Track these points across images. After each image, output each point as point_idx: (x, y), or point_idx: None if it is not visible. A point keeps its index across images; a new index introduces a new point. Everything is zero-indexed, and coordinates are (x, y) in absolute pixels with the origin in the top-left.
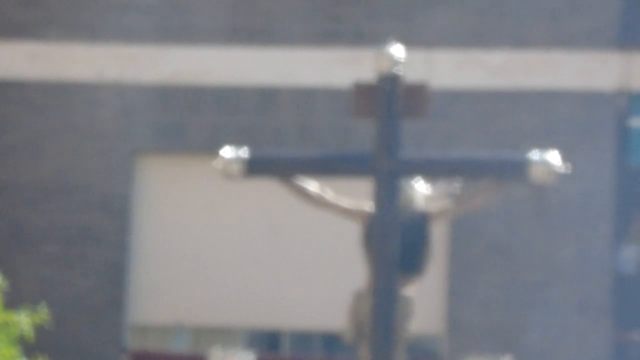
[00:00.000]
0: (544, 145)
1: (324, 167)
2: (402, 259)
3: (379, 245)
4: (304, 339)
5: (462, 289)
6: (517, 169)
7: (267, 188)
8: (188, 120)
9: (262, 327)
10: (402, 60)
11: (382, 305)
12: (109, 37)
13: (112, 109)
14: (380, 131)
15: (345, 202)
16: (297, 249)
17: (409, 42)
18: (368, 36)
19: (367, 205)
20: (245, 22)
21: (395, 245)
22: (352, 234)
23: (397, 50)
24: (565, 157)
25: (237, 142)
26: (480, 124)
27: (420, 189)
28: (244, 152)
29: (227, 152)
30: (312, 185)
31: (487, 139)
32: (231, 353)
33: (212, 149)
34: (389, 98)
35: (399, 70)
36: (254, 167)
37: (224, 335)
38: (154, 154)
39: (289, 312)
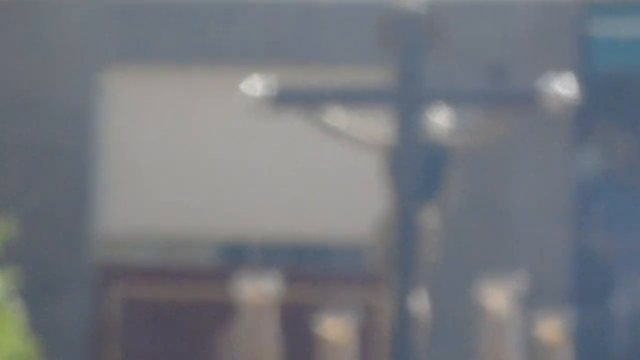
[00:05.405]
0: (505, 56)
1: (347, 97)
2: (420, 190)
3: (400, 175)
4: (272, 251)
5: None
6: (529, 100)
7: (235, 99)
8: (153, 31)
9: (231, 239)
10: None
11: (404, 236)
12: None
13: (75, 22)
14: (400, 61)
15: (366, 135)
16: (269, 158)
17: None
18: None
19: (387, 136)
20: None
21: (416, 175)
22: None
23: None
24: (526, 68)
25: (202, 54)
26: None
27: (437, 121)
28: (268, 89)
29: (250, 87)
30: (334, 117)
31: (447, 51)
32: (258, 277)
33: (177, 60)
34: (408, 29)
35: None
36: (280, 102)
37: (191, 246)
38: (120, 66)
39: (258, 223)
